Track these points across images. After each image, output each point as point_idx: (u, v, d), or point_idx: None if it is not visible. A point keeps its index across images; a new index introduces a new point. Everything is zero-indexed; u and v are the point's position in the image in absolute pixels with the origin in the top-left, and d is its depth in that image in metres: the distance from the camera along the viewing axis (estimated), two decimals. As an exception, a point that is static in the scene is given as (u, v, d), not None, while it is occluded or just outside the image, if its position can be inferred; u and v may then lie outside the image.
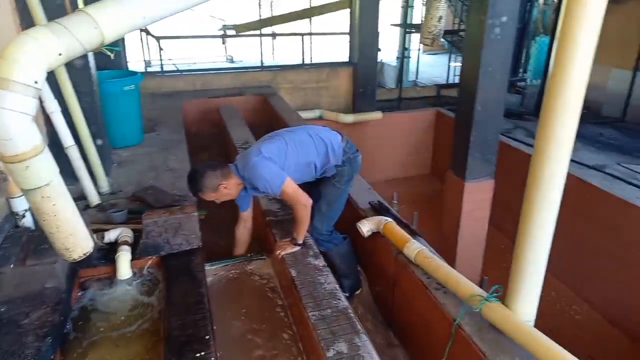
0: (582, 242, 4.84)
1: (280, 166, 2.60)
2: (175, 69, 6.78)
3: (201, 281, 2.32)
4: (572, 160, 5.33)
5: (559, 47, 1.63)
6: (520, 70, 9.01)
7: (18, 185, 1.43)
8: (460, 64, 4.28)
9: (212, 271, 2.93)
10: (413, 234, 2.81)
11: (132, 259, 2.44)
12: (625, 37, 6.75)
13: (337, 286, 2.44)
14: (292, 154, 2.69)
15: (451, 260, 4.59)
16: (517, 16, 3.82)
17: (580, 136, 6.13)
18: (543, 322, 4.45)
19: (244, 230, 3.05)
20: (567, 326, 4.57)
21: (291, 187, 2.55)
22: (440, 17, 3.37)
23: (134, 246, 2.53)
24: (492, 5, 3.62)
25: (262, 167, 2.53)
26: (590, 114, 7.14)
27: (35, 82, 1.36)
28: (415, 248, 2.58)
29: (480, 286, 2.32)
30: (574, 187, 4.90)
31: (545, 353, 1.85)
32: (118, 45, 5.74)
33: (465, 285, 2.26)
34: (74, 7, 2.92)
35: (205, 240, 2.71)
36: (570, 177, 5.17)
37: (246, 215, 3.00)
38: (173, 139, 4.42)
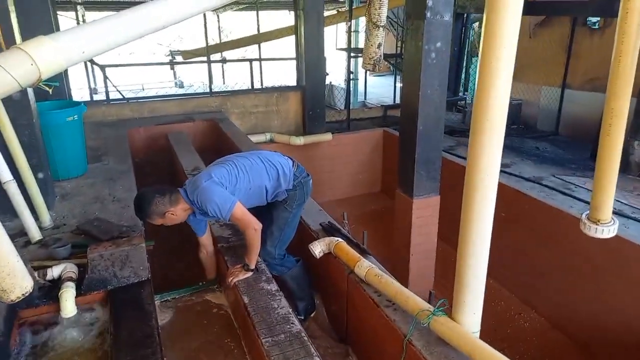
0: (525, 252, 5.04)
1: (230, 191, 2.61)
2: (122, 97, 6.63)
3: (151, 314, 2.28)
4: (511, 174, 5.60)
5: (481, 65, 1.78)
6: (462, 89, 9.47)
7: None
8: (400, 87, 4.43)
9: (163, 303, 2.88)
10: (363, 252, 2.89)
11: (77, 296, 2.35)
12: (552, 57, 7.23)
13: (290, 310, 2.45)
14: (243, 179, 2.71)
15: (404, 275, 4.68)
16: (450, 41, 4.03)
17: (519, 150, 6.50)
18: (495, 332, 4.63)
19: (206, 255, 3.04)
20: (516, 334, 4.73)
21: (241, 211, 2.56)
22: (380, 44, 3.54)
23: (79, 282, 2.45)
24: (427, 32, 3.82)
25: (212, 191, 2.53)
26: (527, 129, 7.59)
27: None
28: (366, 267, 2.64)
29: (428, 300, 2.41)
30: (514, 200, 5.14)
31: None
32: (57, 80, 5.57)
33: (414, 300, 2.33)
34: (9, 44, 2.85)
35: (156, 270, 2.67)
36: (510, 190, 5.43)
37: (204, 240, 2.99)
38: (119, 168, 4.31)
